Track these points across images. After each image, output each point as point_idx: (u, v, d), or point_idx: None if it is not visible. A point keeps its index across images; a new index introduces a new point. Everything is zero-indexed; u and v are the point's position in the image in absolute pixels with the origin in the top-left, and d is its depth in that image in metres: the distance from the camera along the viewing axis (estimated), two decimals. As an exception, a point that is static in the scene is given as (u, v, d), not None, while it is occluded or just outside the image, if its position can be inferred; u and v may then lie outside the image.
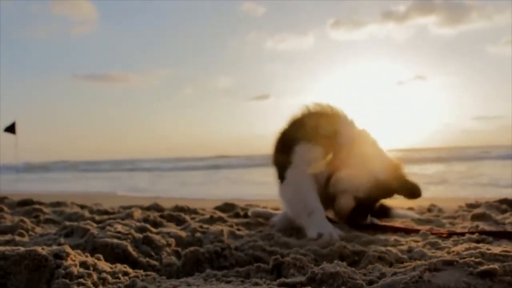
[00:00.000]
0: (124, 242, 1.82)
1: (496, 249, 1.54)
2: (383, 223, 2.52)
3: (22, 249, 1.39)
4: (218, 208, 3.46)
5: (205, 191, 7.77)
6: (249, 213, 2.90)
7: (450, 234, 2.08)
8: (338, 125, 2.36)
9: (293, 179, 2.32)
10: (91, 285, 1.32)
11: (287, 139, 2.43)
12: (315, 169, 2.29)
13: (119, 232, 1.97)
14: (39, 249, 1.39)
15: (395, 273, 1.35)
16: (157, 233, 2.10)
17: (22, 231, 2.24)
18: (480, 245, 1.69)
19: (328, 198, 2.34)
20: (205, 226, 2.41)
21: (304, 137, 2.31)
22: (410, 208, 3.51)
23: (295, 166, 2.31)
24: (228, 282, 1.42)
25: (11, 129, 13.23)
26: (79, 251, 1.56)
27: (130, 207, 3.39)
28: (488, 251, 1.44)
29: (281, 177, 2.39)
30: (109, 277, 1.41)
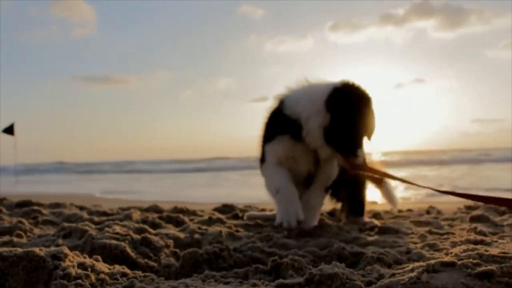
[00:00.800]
0: (123, 243, 1.82)
1: (494, 250, 1.54)
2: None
3: (20, 250, 1.39)
4: (216, 209, 3.45)
5: (203, 194, 7.76)
6: (245, 218, 2.89)
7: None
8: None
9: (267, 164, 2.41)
10: (89, 286, 1.32)
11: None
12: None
13: (117, 233, 1.97)
14: (37, 250, 1.39)
15: (393, 274, 1.35)
16: (156, 235, 2.10)
17: (20, 232, 2.23)
18: (478, 246, 1.69)
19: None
20: (204, 227, 2.41)
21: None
22: (409, 210, 3.51)
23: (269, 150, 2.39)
24: (227, 283, 1.42)
25: (9, 130, 13.22)
26: (77, 252, 1.56)
27: (128, 209, 3.38)
28: (486, 253, 1.44)
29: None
30: (107, 278, 1.41)
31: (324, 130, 2.24)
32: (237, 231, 2.38)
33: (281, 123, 2.35)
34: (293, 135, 2.30)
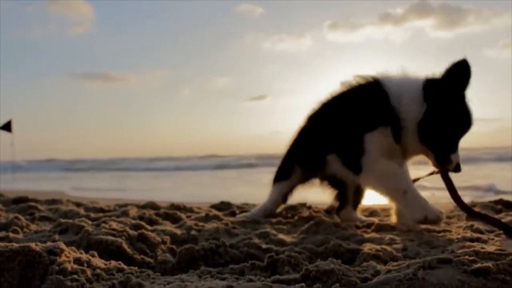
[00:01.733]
0: (119, 239, 1.81)
1: (490, 247, 1.54)
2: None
3: (15, 245, 1.38)
4: (214, 206, 3.45)
5: (198, 193, 7.74)
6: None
7: None
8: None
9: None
10: (85, 282, 1.31)
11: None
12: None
13: (114, 229, 1.97)
14: (32, 245, 1.39)
15: (389, 271, 1.35)
16: (152, 231, 2.10)
17: (16, 228, 2.22)
18: (475, 244, 1.70)
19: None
20: (201, 224, 2.40)
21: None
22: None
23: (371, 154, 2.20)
24: (223, 279, 1.42)
25: (7, 127, 13.18)
26: (73, 248, 1.56)
27: (126, 205, 3.38)
28: (482, 250, 1.45)
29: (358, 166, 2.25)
30: (103, 274, 1.41)
31: (420, 125, 2.08)
32: (234, 227, 2.37)
33: (383, 112, 2.17)
34: (394, 127, 2.14)
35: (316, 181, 2.83)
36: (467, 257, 1.35)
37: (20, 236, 2.09)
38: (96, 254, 1.59)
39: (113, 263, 1.54)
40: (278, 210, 2.98)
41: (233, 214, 3.11)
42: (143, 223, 2.26)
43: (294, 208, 3.17)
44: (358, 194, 2.75)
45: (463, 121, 2.15)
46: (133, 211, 2.86)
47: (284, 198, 2.91)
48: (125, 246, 1.79)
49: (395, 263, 1.53)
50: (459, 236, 2.00)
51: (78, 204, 3.66)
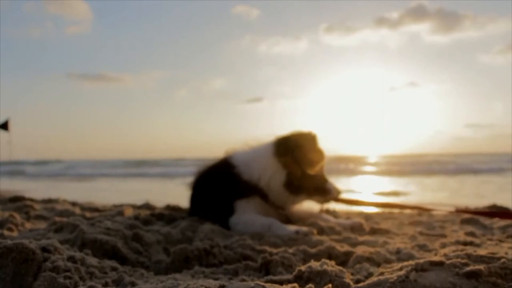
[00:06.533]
0: (114, 239, 1.81)
1: (482, 251, 1.55)
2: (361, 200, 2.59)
3: (9, 242, 1.38)
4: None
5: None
6: None
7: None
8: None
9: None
10: (78, 279, 1.32)
11: None
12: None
13: (108, 228, 1.97)
14: (26, 242, 1.38)
15: (382, 273, 1.36)
16: (147, 231, 2.10)
17: (11, 226, 2.22)
18: (468, 247, 1.71)
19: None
20: (196, 225, 2.40)
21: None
22: (401, 212, 3.53)
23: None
24: (216, 279, 1.42)
25: (4, 126, 13.14)
26: (67, 246, 1.56)
27: (121, 205, 3.38)
28: (475, 253, 1.45)
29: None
30: (96, 272, 1.41)
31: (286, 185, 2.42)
32: (229, 229, 2.37)
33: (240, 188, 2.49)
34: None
35: None
36: (459, 260, 1.35)
37: (15, 233, 2.09)
38: (90, 252, 1.59)
39: (107, 261, 1.54)
40: None
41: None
42: (138, 223, 2.26)
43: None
44: None
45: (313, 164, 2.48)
46: (129, 211, 2.86)
47: None
48: (119, 245, 1.79)
49: (388, 266, 1.54)
50: (452, 240, 2.01)
51: (73, 204, 3.65)
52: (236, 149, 2.67)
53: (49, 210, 3.06)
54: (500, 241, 2.04)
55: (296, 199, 2.50)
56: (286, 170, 2.44)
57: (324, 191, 2.50)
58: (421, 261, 1.36)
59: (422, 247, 1.92)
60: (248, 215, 2.42)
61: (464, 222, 2.67)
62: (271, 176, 2.45)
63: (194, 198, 2.82)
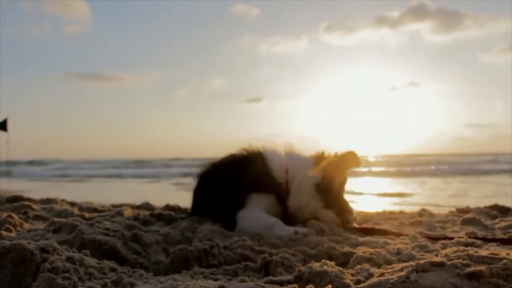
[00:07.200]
0: (113, 239, 1.81)
1: (484, 252, 1.54)
2: (377, 227, 2.52)
3: (7, 242, 1.38)
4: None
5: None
6: None
7: (439, 238, 2.09)
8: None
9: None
10: (77, 280, 1.31)
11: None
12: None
13: (107, 229, 1.96)
14: (24, 242, 1.38)
15: (382, 274, 1.35)
16: (146, 231, 2.09)
17: (9, 226, 2.21)
18: (469, 248, 1.70)
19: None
20: (195, 225, 2.40)
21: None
22: (401, 212, 3.52)
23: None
24: (216, 279, 1.42)
25: (2, 126, 13.12)
26: (66, 246, 1.55)
27: (120, 206, 3.37)
28: (476, 254, 1.45)
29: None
30: (95, 273, 1.40)
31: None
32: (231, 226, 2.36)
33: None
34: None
35: None
36: (460, 260, 1.35)
37: (13, 234, 2.08)
38: (89, 253, 1.58)
39: (106, 262, 1.54)
40: None
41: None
42: (137, 223, 2.25)
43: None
44: None
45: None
46: (128, 212, 2.85)
47: None
48: (118, 246, 1.78)
49: (388, 266, 1.53)
50: (453, 241, 2.00)
51: (72, 204, 3.64)
52: (264, 146, 2.68)
53: (48, 211, 3.06)
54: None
55: (319, 213, 2.51)
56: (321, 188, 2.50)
57: (344, 216, 2.53)
58: (422, 262, 1.35)
59: (423, 248, 1.91)
60: (256, 211, 2.41)
61: (465, 222, 2.67)
62: (304, 183, 2.49)
63: (201, 190, 2.77)
